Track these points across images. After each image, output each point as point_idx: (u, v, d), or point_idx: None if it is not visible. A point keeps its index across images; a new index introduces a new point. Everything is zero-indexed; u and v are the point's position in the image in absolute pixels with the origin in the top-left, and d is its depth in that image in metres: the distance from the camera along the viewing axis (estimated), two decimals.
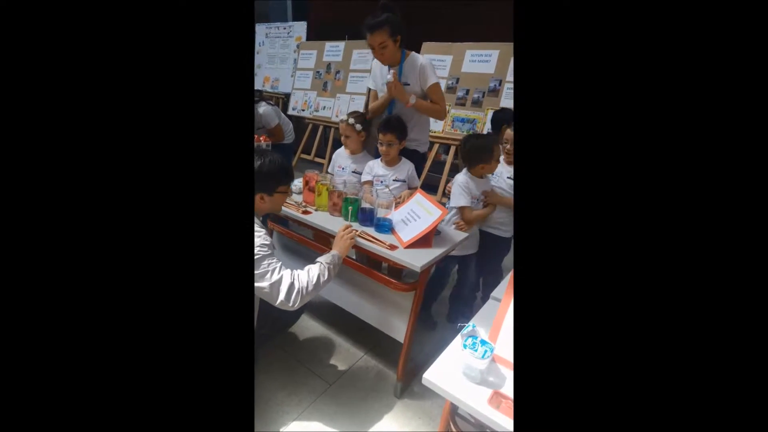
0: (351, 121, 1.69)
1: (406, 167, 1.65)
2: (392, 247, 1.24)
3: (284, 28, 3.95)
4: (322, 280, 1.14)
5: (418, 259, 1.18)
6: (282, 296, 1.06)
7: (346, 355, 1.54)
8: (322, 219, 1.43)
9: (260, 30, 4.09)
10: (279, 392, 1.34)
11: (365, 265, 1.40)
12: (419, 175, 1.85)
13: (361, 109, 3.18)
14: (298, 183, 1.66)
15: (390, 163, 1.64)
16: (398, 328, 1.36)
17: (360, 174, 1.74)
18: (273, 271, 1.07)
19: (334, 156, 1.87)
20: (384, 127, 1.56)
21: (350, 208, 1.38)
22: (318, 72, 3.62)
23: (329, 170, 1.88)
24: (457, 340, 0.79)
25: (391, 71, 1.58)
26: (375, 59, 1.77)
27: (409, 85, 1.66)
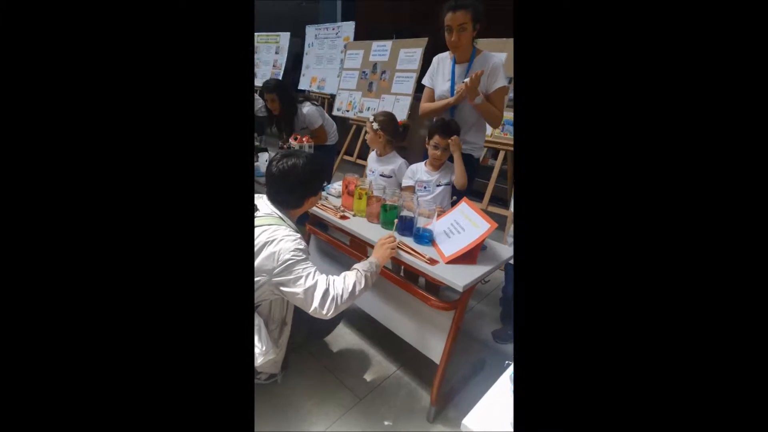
0: (371, 118, 1.64)
1: (450, 169, 1.54)
2: (432, 261, 1.15)
3: (333, 29, 3.97)
4: (358, 288, 1.08)
5: (460, 277, 1.08)
6: (316, 303, 1.02)
7: (378, 368, 1.47)
8: (360, 225, 1.37)
9: (310, 31, 4.15)
10: (307, 401, 1.30)
11: (399, 277, 1.32)
12: (472, 180, 1.76)
13: (406, 110, 3.11)
14: (337, 186, 1.62)
15: (436, 167, 1.55)
16: (434, 348, 1.26)
17: (388, 176, 1.68)
18: (307, 276, 1.03)
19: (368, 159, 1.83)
20: (443, 131, 1.45)
21: (395, 220, 1.30)
22: (364, 72, 3.59)
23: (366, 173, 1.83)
24: (505, 382, 0.68)
25: (472, 74, 1.46)
26: (436, 58, 1.68)
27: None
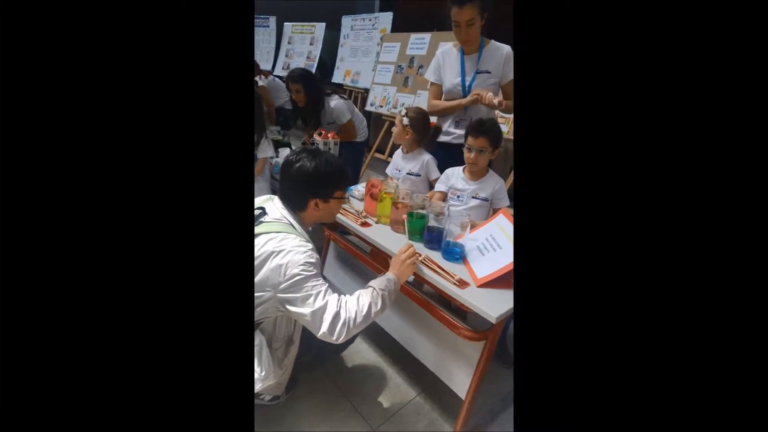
0: (403, 111, 1.52)
1: (493, 182, 1.35)
2: (462, 283, 0.98)
3: (369, 20, 3.83)
4: (373, 310, 0.94)
5: (493, 305, 0.91)
6: (325, 327, 0.89)
7: (396, 393, 1.33)
8: (382, 235, 1.22)
9: (346, 22, 4.04)
10: (315, 428, 1.18)
11: (422, 295, 1.16)
12: None
13: None
14: (361, 188, 1.49)
15: (475, 175, 1.37)
16: (459, 380, 1.10)
17: (416, 175, 1.56)
18: (317, 295, 0.90)
19: (393, 157, 1.69)
20: (476, 130, 1.29)
21: (422, 230, 1.14)
22: (400, 66, 3.43)
23: (386, 171, 1.69)
24: None
25: (489, 94, 1.41)
26: (439, 51, 1.60)
27: (489, 73, 1.50)
